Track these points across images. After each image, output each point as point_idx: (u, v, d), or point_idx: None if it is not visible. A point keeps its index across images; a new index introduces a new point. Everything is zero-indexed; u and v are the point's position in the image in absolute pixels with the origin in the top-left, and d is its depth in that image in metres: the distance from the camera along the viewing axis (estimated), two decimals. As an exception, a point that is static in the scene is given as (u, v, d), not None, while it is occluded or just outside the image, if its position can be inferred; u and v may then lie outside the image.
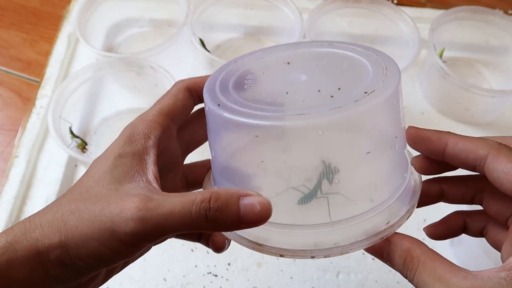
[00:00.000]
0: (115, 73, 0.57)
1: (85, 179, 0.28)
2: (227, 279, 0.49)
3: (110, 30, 0.69)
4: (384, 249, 0.27)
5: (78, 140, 0.55)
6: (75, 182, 0.58)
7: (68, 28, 0.69)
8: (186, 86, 0.32)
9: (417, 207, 0.31)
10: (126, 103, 0.62)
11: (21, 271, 0.25)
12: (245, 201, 0.24)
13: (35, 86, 0.65)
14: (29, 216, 0.27)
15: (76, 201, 0.27)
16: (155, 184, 0.27)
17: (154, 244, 0.27)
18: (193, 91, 0.32)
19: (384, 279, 0.50)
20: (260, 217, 0.24)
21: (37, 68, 0.68)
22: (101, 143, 0.58)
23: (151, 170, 0.28)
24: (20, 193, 0.53)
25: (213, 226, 0.25)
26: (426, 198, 0.31)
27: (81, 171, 0.57)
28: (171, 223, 0.24)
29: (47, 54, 0.67)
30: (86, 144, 0.57)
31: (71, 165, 0.57)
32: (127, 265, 0.31)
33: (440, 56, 0.59)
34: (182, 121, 0.32)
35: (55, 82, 0.63)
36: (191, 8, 0.62)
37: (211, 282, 0.49)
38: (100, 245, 0.25)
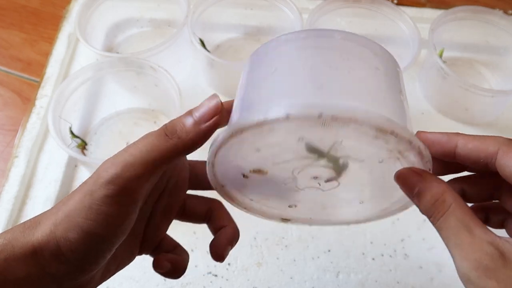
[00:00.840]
0: (115, 73, 0.57)
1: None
2: (227, 279, 0.49)
3: (110, 30, 0.69)
4: (416, 184, 0.27)
5: (78, 140, 0.55)
6: (75, 182, 0.58)
7: (68, 28, 0.69)
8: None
9: None
10: (126, 103, 0.62)
11: (19, 270, 0.25)
12: (197, 107, 0.27)
13: (35, 86, 0.65)
14: (30, 218, 0.28)
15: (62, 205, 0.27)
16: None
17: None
18: None
19: (384, 279, 0.50)
20: (214, 109, 0.26)
21: (37, 68, 0.68)
22: (101, 143, 0.58)
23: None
24: (20, 193, 0.53)
25: (175, 136, 0.26)
26: None
27: (81, 171, 0.57)
28: (142, 151, 0.26)
29: (47, 54, 0.67)
30: (86, 144, 0.57)
31: (71, 165, 0.57)
32: (120, 268, 0.32)
33: (440, 56, 0.59)
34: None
35: (55, 82, 0.63)
36: (191, 8, 0.61)
37: (211, 282, 0.49)
38: (84, 219, 0.25)
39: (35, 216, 0.27)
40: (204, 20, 0.65)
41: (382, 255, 0.52)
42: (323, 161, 0.29)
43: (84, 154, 0.57)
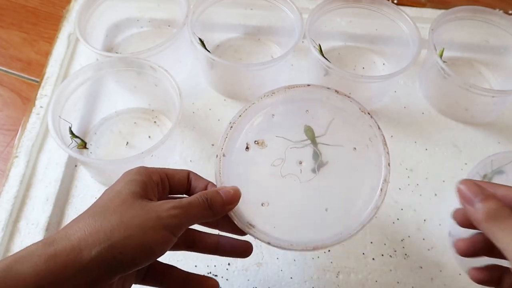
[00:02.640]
0: (115, 73, 0.57)
1: (101, 202, 0.35)
2: (227, 279, 0.49)
3: (110, 30, 0.69)
4: (477, 194, 0.31)
5: (78, 140, 0.55)
6: (74, 182, 0.58)
7: (68, 28, 0.69)
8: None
9: None
10: (126, 103, 0.62)
11: (58, 271, 0.29)
12: (223, 190, 0.37)
13: (35, 86, 0.65)
14: (68, 224, 0.33)
15: (109, 208, 0.33)
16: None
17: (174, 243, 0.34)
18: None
19: (384, 279, 0.50)
20: (235, 196, 0.37)
21: (37, 68, 0.68)
22: (101, 143, 0.58)
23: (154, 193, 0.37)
24: (20, 193, 0.53)
25: (213, 212, 0.36)
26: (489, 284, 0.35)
27: (81, 171, 0.57)
28: (194, 212, 0.35)
29: (47, 54, 0.67)
30: (86, 144, 0.57)
31: (71, 165, 0.57)
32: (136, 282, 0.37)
33: (440, 56, 0.59)
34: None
35: (55, 82, 0.63)
36: (191, 8, 0.61)
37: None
38: (144, 235, 0.32)
39: (74, 224, 0.32)
40: (204, 20, 0.65)
41: (382, 255, 0.52)
42: (310, 148, 0.39)
43: (84, 154, 0.57)
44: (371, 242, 0.52)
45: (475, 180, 0.32)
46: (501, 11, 0.64)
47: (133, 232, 0.31)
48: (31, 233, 0.51)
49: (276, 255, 0.51)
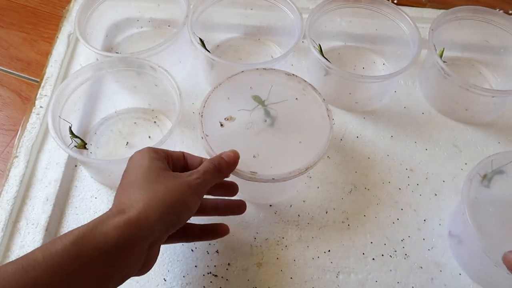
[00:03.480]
0: (115, 73, 0.57)
1: (127, 177, 0.42)
2: (227, 279, 0.49)
3: (110, 30, 0.69)
4: None
5: (78, 140, 0.55)
6: (74, 182, 0.58)
7: (68, 28, 0.69)
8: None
9: None
10: (126, 103, 0.62)
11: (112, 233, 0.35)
12: (225, 154, 0.45)
13: (35, 86, 0.65)
14: (121, 196, 0.39)
15: (150, 180, 0.40)
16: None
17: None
18: None
19: (384, 279, 0.50)
20: (235, 157, 0.45)
21: (37, 68, 0.68)
22: (101, 143, 0.58)
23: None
24: (20, 193, 0.53)
25: (222, 171, 0.44)
26: None
27: (81, 171, 0.57)
28: (209, 176, 0.42)
29: (47, 54, 0.67)
30: (86, 144, 0.56)
31: (71, 165, 0.57)
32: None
33: (440, 56, 0.59)
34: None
35: (55, 82, 0.63)
36: (191, 8, 0.61)
37: (211, 282, 0.49)
38: (186, 198, 0.39)
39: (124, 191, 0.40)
40: (204, 20, 0.65)
41: (382, 255, 0.51)
42: (264, 109, 0.53)
43: (84, 154, 0.57)
44: (371, 242, 0.52)
45: None
46: (501, 11, 0.64)
47: (178, 197, 0.39)
48: (31, 233, 0.51)
49: (276, 255, 0.51)
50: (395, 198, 0.56)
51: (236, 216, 0.51)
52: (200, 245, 0.51)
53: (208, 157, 0.46)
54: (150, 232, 0.36)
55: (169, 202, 0.38)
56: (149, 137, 0.59)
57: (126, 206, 0.37)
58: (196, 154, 0.58)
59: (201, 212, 0.47)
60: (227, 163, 0.44)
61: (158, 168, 0.41)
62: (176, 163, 0.45)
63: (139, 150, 0.43)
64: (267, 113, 0.53)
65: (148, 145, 0.49)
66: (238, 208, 0.49)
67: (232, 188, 0.49)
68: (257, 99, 0.53)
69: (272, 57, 0.68)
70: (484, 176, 0.49)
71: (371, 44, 0.70)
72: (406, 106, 0.64)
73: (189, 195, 0.39)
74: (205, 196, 0.44)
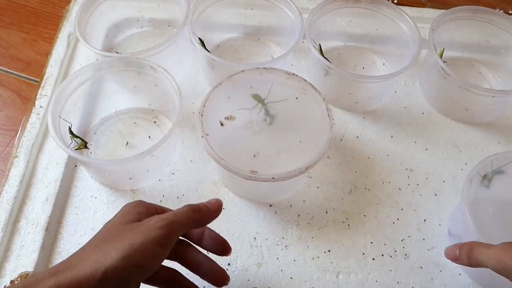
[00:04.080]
0: (115, 73, 0.57)
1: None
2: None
3: (110, 30, 0.69)
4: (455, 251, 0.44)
5: (78, 140, 0.55)
6: (74, 182, 0.58)
7: (68, 28, 0.69)
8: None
9: None
10: (126, 103, 0.62)
11: None
12: (207, 201, 0.41)
13: (35, 86, 0.65)
14: (71, 255, 0.35)
15: (105, 238, 0.36)
16: None
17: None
18: None
19: (384, 279, 0.50)
20: (217, 204, 0.41)
21: (37, 68, 0.68)
22: (101, 143, 0.58)
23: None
24: (20, 193, 0.53)
25: (199, 216, 0.39)
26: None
27: (81, 171, 0.57)
28: (179, 218, 0.37)
29: (46, 54, 0.67)
30: (86, 144, 0.56)
31: (71, 165, 0.57)
32: None
33: (440, 56, 0.59)
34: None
35: (54, 82, 0.63)
36: (191, 8, 0.61)
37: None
38: (135, 253, 0.33)
39: (71, 258, 0.35)
40: (204, 20, 0.65)
41: (382, 255, 0.51)
42: (264, 108, 0.53)
43: (84, 154, 0.57)
44: (371, 242, 0.52)
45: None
46: (501, 11, 0.64)
47: (124, 253, 0.33)
48: (31, 233, 0.51)
49: (276, 255, 0.51)
50: (395, 198, 0.56)
51: (236, 216, 0.51)
52: (200, 245, 0.51)
53: (209, 157, 0.45)
54: None
55: (108, 262, 0.32)
56: (149, 137, 0.59)
57: (62, 267, 0.33)
58: (196, 154, 0.59)
59: (183, 262, 0.42)
60: (208, 209, 0.40)
61: (122, 222, 0.36)
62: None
63: (129, 202, 0.40)
64: (267, 113, 0.53)
65: (148, 145, 0.49)
66: (221, 279, 0.42)
67: (223, 246, 0.43)
68: (256, 97, 0.53)
69: (272, 57, 0.68)
70: (484, 176, 0.49)
71: (371, 44, 0.70)
72: (406, 106, 0.64)
73: (142, 248, 0.33)
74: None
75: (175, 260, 0.42)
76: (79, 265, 0.32)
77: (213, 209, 0.40)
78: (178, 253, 0.41)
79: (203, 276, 0.42)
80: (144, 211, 0.38)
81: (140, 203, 0.40)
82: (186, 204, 0.40)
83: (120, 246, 0.33)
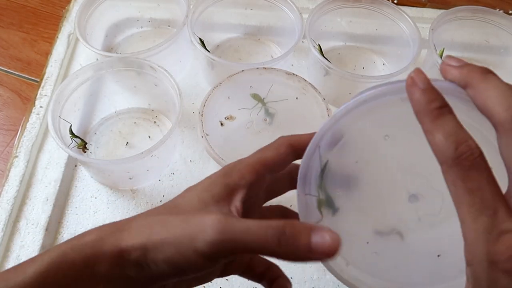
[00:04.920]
0: (115, 73, 0.57)
1: (176, 199, 0.30)
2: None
3: (110, 30, 0.69)
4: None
5: (78, 140, 0.55)
6: (74, 182, 0.58)
7: (68, 28, 0.69)
8: (289, 143, 0.33)
9: None
10: (126, 103, 0.62)
11: (104, 266, 0.27)
12: (317, 232, 0.25)
13: (35, 86, 0.65)
14: (120, 220, 0.29)
15: (164, 213, 0.29)
16: (235, 215, 0.29)
17: (221, 266, 0.29)
18: (294, 148, 0.33)
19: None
20: (329, 249, 0.25)
21: (37, 68, 0.68)
22: (101, 143, 0.58)
23: (235, 204, 0.29)
24: (20, 193, 0.53)
25: (284, 251, 0.25)
26: None
27: (81, 171, 0.57)
28: (247, 240, 0.26)
29: (46, 54, 0.67)
30: (86, 144, 0.56)
31: (71, 165, 0.57)
32: (194, 285, 0.32)
33: (440, 56, 0.59)
34: (277, 173, 0.33)
35: (54, 82, 0.63)
36: (191, 8, 0.61)
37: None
38: (176, 254, 0.26)
39: (125, 220, 0.29)
40: (204, 20, 0.65)
41: (382, 255, 0.51)
42: (263, 108, 0.53)
43: (84, 154, 0.57)
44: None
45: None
46: (501, 11, 0.64)
47: (165, 248, 0.27)
48: (31, 233, 0.51)
49: (276, 255, 0.51)
50: (395, 198, 0.56)
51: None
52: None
53: (209, 157, 0.42)
54: (121, 271, 0.27)
55: (151, 245, 0.27)
56: (149, 137, 0.59)
57: (110, 231, 0.28)
58: (196, 154, 0.59)
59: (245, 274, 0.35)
60: (308, 246, 0.25)
61: (209, 197, 0.29)
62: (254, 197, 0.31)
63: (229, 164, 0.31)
64: (267, 112, 0.53)
65: (148, 145, 0.49)
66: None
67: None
68: (256, 97, 0.53)
69: (272, 57, 0.68)
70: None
71: (371, 44, 0.69)
72: (406, 106, 0.64)
73: (184, 251, 0.26)
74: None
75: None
76: (124, 235, 0.28)
77: (318, 251, 0.25)
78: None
79: (264, 282, 0.35)
80: (232, 184, 0.30)
81: (236, 169, 0.30)
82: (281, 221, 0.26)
83: (165, 235, 0.27)
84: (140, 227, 0.28)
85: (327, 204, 0.31)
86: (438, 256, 0.30)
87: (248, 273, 0.35)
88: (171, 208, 0.29)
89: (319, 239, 0.25)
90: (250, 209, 0.32)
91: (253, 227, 0.26)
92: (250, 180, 0.30)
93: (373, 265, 0.31)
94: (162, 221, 0.28)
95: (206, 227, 0.26)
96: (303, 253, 0.25)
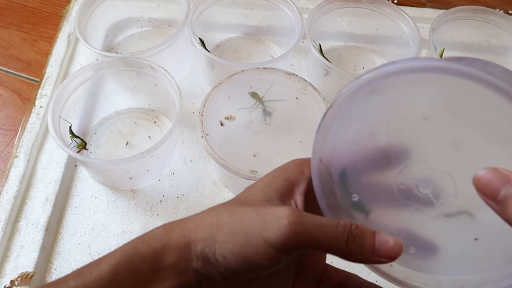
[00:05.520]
0: (115, 73, 0.57)
1: (240, 194, 0.30)
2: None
3: (110, 30, 0.69)
4: (502, 188, 0.22)
5: (78, 140, 0.55)
6: (74, 182, 0.58)
7: (68, 28, 0.69)
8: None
9: None
10: (126, 103, 0.62)
11: (171, 257, 0.27)
12: (381, 236, 0.26)
13: (35, 86, 0.65)
14: (188, 216, 0.29)
15: (231, 205, 0.29)
16: (300, 209, 0.28)
17: (288, 259, 0.27)
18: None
19: (384, 279, 0.50)
20: (392, 252, 0.26)
21: (37, 68, 0.68)
22: (101, 143, 0.58)
23: (296, 198, 0.29)
24: (20, 193, 0.53)
25: (350, 250, 0.26)
26: None
27: (81, 171, 0.57)
28: (319, 234, 0.26)
29: (46, 54, 0.67)
30: (86, 144, 0.56)
31: (71, 165, 0.57)
32: None
33: (440, 56, 0.59)
34: None
35: (54, 82, 0.63)
36: (191, 8, 0.61)
37: None
38: (246, 244, 0.26)
39: (192, 215, 0.29)
40: (204, 20, 0.65)
41: (382, 255, 0.51)
42: (264, 108, 0.53)
43: (83, 154, 0.57)
44: (371, 242, 0.52)
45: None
46: (501, 11, 0.64)
47: (235, 238, 0.26)
48: (30, 233, 0.51)
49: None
50: (395, 198, 0.56)
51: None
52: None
53: (209, 157, 0.42)
54: (187, 265, 0.27)
55: (220, 240, 0.26)
56: (149, 137, 0.59)
57: (177, 224, 0.28)
58: (196, 154, 0.59)
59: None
60: (371, 246, 0.26)
61: (272, 190, 0.29)
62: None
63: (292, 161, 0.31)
64: (265, 111, 0.54)
65: (148, 145, 0.49)
66: None
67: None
68: (255, 95, 0.53)
69: (272, 57, 0.68)
70: None
71: (371, 44, 0.69)
72: (406, 106, 0.64)
73: (255, 243, 0.25)
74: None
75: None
76: (190, 226, 0.28)
77: (381, 252, 0.26)
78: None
79: None
80: (293, 178, 0.29)
81: (297, 165, 0.30)
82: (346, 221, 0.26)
83: (235, 227, 0.27)
84: (208, 217, 0.28)
85: (357, 208, 0.30)
86: (475, 239, 0.29)
87: (324, 285, 0.33)
88: (237, 201, 0.29)
89: (383, 241, 0.26)
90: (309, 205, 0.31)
91: (325, 222, 0.26)
92: (308, 175, 0.30)
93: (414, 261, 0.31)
94: (231, 211, 0.28)
95: (280, 217, 0.25)
96: (367, 253, 0.26)
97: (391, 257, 0.26)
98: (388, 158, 0.29)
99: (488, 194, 0.23)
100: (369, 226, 0.27)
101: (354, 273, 0.34)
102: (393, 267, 0.31)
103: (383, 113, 0.29)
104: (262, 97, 0.53)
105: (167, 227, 0.28)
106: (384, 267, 0.31)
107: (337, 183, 0.30)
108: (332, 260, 0.33)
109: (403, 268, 0.31)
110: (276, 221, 0.25)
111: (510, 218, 0.22)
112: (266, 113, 0.53)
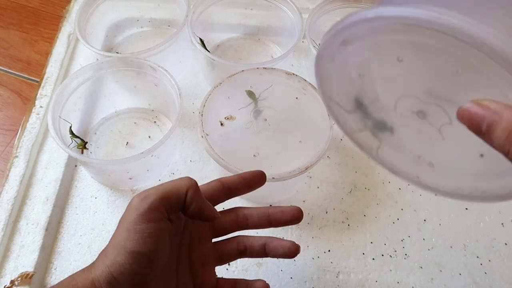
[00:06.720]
0: (115, 73, 0.57)
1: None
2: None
3: (110, 30, 0.69)
4: (484, 120, 0.23)
5: (78, 140, 0.55)
6: (74, 182, 0.58)
7: (68, 28, 0.69)
8: (219, 181, 0.43)
9: None
10: (126, 103, 0.62)
11: None
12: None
13: (35, 86, 0.65)
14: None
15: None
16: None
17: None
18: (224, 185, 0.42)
19: (384, 279, 0.50)
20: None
21: (37, 68, 0.68)
22: (101, 143, 0.58)
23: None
24: (20, 193, 0.53)
25: (194, 183, 0.37)
26: None
27: (81, 171, 0.57)
28: (164, 187, 0.35)
29: (47, 54, 0.67)
30: (86, 144, 0.56)
31: (71, 165, 0.57)
32: None
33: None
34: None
35: (55, 82, 0.63)
36: (191, 8, 0.62)
37: None
38: (125, 241, 0.32)
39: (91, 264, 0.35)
40: (204, 20, 0.65)
41: (382, 255, 0.52)
42: (254, 106, 0.53)
43: (84, 154, 0.57)
44: (371, 242, 0.52)
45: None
46: None
47: (118, 247, 0.32)
48: (31, 233, 0.51)
49: (276, 255, 0.51)
50: (395, 198, 0.56)
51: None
52: (200, 245, 0.51)
53: (209, 157, 0.45)
54: None
55: (110, 259, 0.33)
56: (149, 137, 0.59)
57: (94, 263, 0.34)
58: (196, 154, 0.59)
59: (247, 227, 0.42)
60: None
61: (132, 220, 0.34)
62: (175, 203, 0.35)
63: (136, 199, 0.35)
64: (258, 111, 0.54)
65: (148, 145, 0.49)
66: (295, 217, 0.41)
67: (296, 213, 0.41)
68: (251, 95, 0.54)
69: (272, 57, 0.68)
70: None
71: (371, 44, 0.69)
72: (406, 106, 0.64)
73: (128, 229, 0.33)
74: None
75: (239, 258, 0.42)
76: (94, 265, 0.34)
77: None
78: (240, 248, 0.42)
79: (277, 224, 0.41)
80: (152, 203, 0.34)
81: (143, 199, 0.34)
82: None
83: (115, 242, 0.33)
84: (100, 257, 0.34)
85: (380, 128, 0.32)
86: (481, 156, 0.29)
87: (224, 259, 0.42)
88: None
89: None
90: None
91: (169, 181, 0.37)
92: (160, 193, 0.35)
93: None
94: (113, 243, 0.33)
95: (132, 204, 0.34)
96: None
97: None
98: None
99: (473, 127, 0.23)
100: (396, 143, 0.30)
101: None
102: (420, 179, 0.35)
103: (363, 58, 0.31)
104: (258, 96, 0.53)
105: (72, 276, 0.34)
106: (412, 178, 0.35)
107: (353, 112, 0.33)
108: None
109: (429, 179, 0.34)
110: (130, 206, 0.34)
111: (496, 146, 0.22)
112: (257, 112, 0.54)
